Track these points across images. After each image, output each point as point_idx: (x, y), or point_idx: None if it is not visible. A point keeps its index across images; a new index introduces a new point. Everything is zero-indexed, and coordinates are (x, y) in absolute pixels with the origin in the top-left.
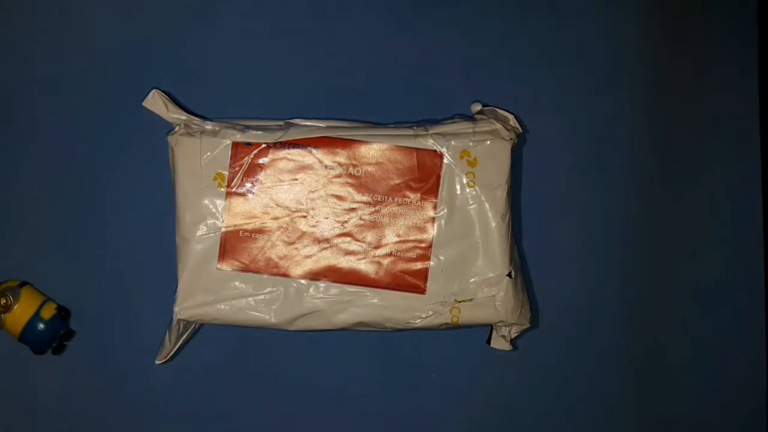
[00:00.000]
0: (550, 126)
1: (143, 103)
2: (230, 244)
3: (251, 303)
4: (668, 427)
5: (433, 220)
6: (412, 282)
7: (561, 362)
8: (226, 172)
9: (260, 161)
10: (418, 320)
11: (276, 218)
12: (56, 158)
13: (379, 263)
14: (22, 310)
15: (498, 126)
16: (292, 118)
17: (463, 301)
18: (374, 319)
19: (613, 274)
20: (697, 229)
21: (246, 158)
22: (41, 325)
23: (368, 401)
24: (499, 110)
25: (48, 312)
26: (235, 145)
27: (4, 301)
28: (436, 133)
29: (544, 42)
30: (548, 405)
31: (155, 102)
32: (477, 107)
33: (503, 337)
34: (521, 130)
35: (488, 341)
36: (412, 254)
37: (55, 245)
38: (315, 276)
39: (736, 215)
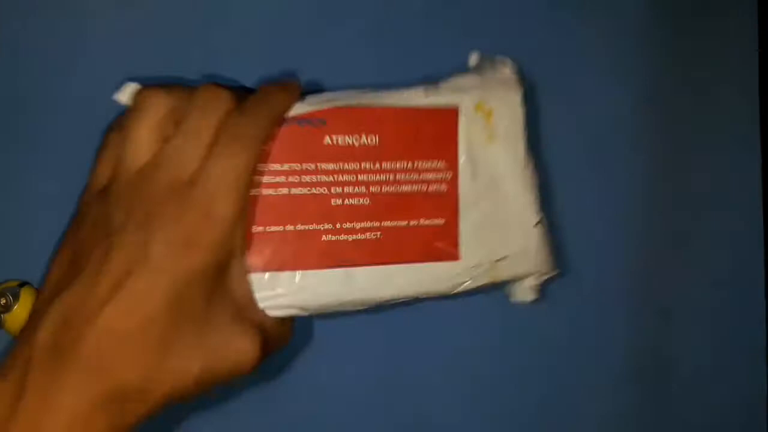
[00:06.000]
0: (548, 126)
1: (116, 97)
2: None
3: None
4: (668, 428)
5: (456, 180)
6: (442, 249)
7: (560, 362)
8: None
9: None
10: (456, 287)
11: (287, 203)
12: (56, 157)
13: (403, 236)
14: (22, 310)
15: (506, 72)
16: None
17: (500, 259)
18: (409, 294)
19: (612, 274)
20: (697, 230)
21: None
22: None
23: (370, 398)
24: (495, 58)
25: None
26: None
27: (4, 301)
28: (447, 89)
29: (543, 42)
30: (547, 406)
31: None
32: (475, 58)
33: (528, 288)
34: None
35: (509, 296)
36: (438, 221)
37: (55, 245)
38: (338, 262)
39: (736, 216)
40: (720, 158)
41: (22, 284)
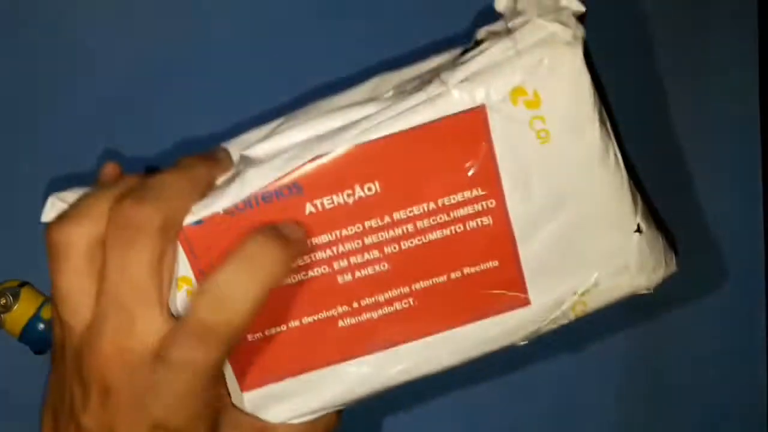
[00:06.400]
0: None
1: (43, 220)
2: (243, 357)
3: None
4: (667, 427)
5: (503, 207)
6: (505, 297)
7: (557, 361)
8: (189, 274)
9: (229, 235)
10: (531, 336)
11: (284, 297)
12: (56, 157)
13: (446, 295)
14: (22, 310)
15: (552, 26)
16: (233, 136)
17: (586, 291)
18: (473, 358)
19: None
20: (697, 230)
21: (206, 241)
22: (41, 325)
23: None
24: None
25: (48, 312)
26: (183, 235)
27: (4, 301)
28: (461, 81)
29: None
30: (545, 408)
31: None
32: (503, 2)
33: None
34: (583, 8)
35: None
36: (490, 263)
37: None
38: (366, 348)
39: (736, 216)
40: (720, 158)
41: (22, 284)
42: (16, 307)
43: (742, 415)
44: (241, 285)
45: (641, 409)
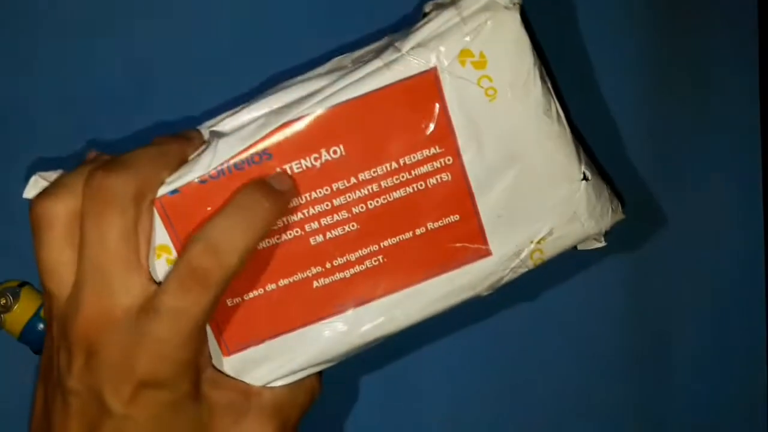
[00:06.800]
0: None
1: (25, 196)
2: (223, 322)
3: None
4: (666, 426)
5: (460, 163)
6: (468, 249)
7: (557, 358)
8: (168, 242)
9: (205, 203)
10: (494, 285)
11: (259, 261)
12: (55, 156)
13: (412, 250)
14: (22, 310)
15: None
16: (207, 120)
17: (542, 237)
18: (438, 311)
19: (613, 273)
20: (697, 230)
21: (182, 210)
22: (41, 325)
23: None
24: None
25: None
26: (160, 204)
27: (4, 301)
28: (413, 47)
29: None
30: (545, 405)
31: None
32: None
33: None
34: None
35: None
36: (451, 218)
37: None
38: (340, 306)
39: (737, 216)
40: (720, 158)
41: (22, 284)
42: (16, 307)
43: (742, 414)
44: (233, 232)
45: (640, 408)
